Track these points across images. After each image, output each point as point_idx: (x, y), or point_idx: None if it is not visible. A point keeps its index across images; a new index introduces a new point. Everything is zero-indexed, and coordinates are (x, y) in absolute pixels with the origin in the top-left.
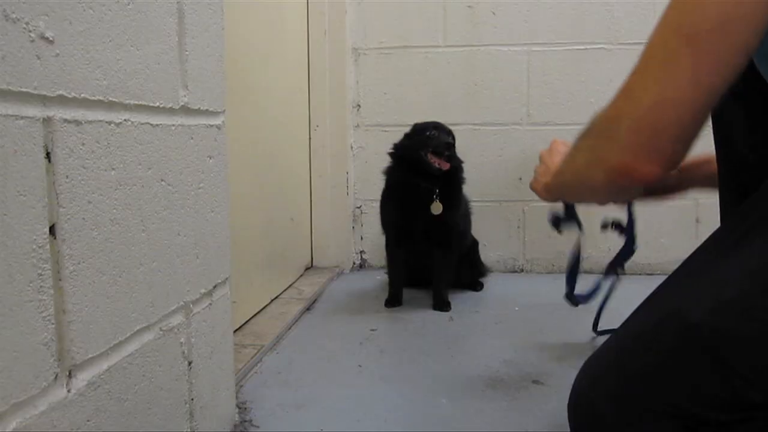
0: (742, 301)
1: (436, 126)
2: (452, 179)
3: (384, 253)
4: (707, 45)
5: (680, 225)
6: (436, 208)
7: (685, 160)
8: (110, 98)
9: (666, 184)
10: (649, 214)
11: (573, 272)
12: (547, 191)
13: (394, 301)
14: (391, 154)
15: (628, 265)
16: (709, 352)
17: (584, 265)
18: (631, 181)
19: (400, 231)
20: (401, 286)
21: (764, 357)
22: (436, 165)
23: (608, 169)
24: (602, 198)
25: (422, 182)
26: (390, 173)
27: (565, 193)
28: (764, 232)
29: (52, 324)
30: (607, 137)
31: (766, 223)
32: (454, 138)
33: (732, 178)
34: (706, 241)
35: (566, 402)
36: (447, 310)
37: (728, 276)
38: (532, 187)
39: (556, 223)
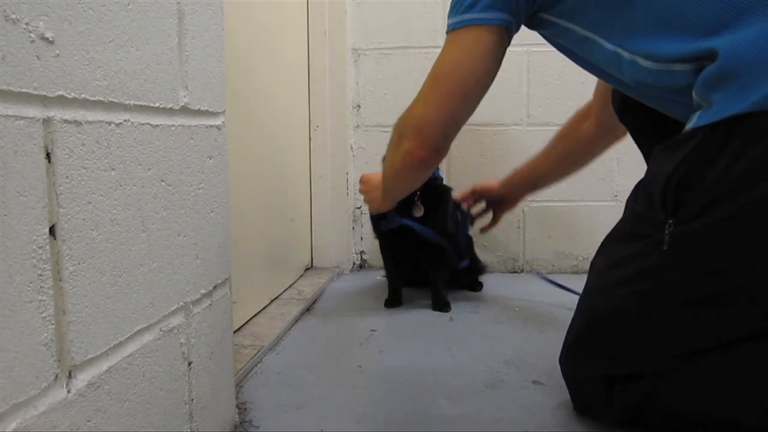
0: (608, 292)
1: None
2: (433, 181)
3: None
4: (443, 83)
5: None
6: (417, 210)
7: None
8: (110, 99)
9: (501, 205)
10: None
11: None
12: (384, 198)
13: (393, 301)
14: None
15: None
16: (602, 335)
17: (585, 264)
18: (415, 161)
19: (387, 234)
20: (400, 287)
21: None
22: None
23: (404, 154)
24: (408, 179)
25: None
26: None
27: (391, 189)
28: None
29: (52, 324)
30: (401, 135)
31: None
32: None
33: None
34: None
35: (566, 402)
36: (447, 311)
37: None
38: (368, 203)
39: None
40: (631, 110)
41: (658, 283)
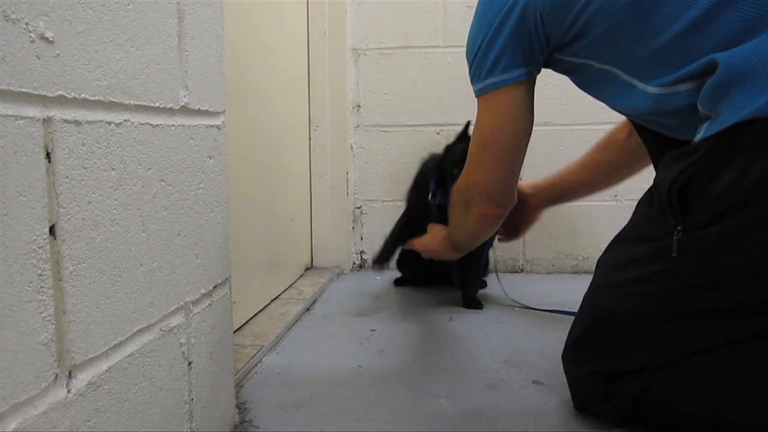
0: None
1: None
2: None
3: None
4: (492, 149)
5: None
6: None
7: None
8: (110, 98)
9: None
10: None
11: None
12: (462, 251)
13: (381, 260)
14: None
15: None
16: (605, 330)
17: (585, 264)
18: (491, 220)
19: (421, 215)
20: (394, 250)
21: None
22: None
23: (477, 217)
24: (485, 234)
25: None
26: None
27: (468, 244)
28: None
29: (52, 324)
30: (468, 202)
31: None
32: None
33: None
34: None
35: (566, 402)
36: (480, 308)
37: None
38: (445, 258)
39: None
40: None
41: (665, 287)
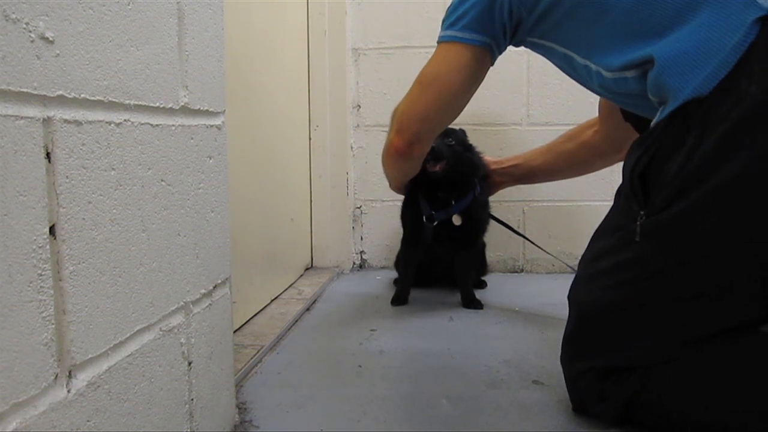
0: (589, 283)
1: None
2: (467, 182)
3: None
4: (425, 89)
5: None
6: (457, 219)
7: (501, 163)
8: (110, 98)
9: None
10: None
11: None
12: (388, 180)
13: (400, 299)
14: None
15: None
16: (590, 324)
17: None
18: (392, 150)
19: (419, 236)
20: (410, 286)
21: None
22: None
23: (387, 143)
24: (389, 166)
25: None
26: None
27: (385, 173)
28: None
29: (52, 324)
30: (391, 126)
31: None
32: (454, 135)
33: None
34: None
35: (566, 402)
36: (480, 308)
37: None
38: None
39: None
40: None
41: (634, 274)
